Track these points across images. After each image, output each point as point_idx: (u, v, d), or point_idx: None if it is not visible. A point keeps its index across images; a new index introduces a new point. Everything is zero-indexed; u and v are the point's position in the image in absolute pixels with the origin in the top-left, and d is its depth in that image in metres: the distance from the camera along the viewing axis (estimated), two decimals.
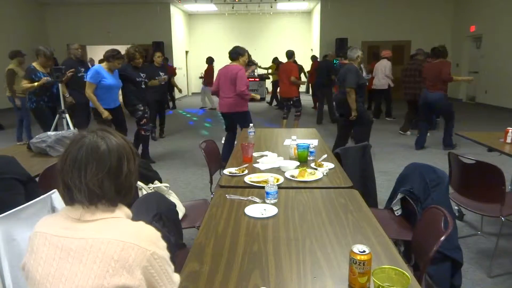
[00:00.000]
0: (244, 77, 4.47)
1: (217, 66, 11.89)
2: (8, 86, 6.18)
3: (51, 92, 5.04)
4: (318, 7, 13.18)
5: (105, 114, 4.45)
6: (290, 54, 7.38)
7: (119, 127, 4.74)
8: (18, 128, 6.45)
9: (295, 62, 7.57)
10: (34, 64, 4.87)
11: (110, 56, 4.45)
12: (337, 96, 5.18)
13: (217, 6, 13.59)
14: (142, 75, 5.02)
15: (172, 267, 1.06)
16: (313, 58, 10.84)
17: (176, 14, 14.07)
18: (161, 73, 6.10)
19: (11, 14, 11.50)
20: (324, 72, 8.25)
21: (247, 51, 4.70)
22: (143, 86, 5.02)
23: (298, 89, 7.19)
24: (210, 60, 10.82)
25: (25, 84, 4.78)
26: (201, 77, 11.55)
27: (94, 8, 13.15)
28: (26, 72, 4.86)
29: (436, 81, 5.54)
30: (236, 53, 4.58)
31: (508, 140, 3.13)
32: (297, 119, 7.08)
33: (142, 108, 4.94)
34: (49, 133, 2.99)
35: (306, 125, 7.95)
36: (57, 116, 5.02)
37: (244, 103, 4.59)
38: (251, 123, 4.17)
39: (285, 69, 7.19)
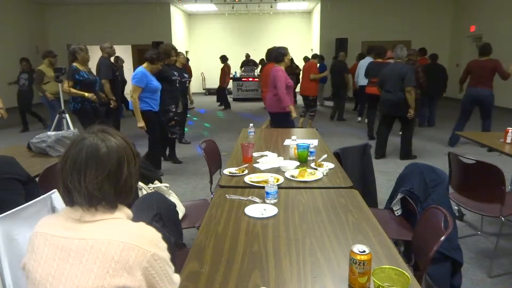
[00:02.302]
0: (282, 78, 4.34)
1: (215, 65, 11.94)
2: (36, 86, 6.25)
3: (94, 92, 4.91)
4: (318, 7, 13.18)
5: (142, 123, 4.27)
6: (314, 55, 8.14)
7: (162, 130, 4.69)
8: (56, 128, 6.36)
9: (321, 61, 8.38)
10: (75, 64, 4.72)
11: (155, 58, 4.26)
12: (387, 97, 5.14)
13: (217, 6, 13.59)
14: (175, 73, 4.93)
15: (173, 267, 1.06)
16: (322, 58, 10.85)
17: (176, 14, 14.07)
18: (185, 75, 5.92)
19: (11, 14, 11.50)
20: (337, 72, 8.53)
21: (287, 48, 4.57)
22: (177, 85, 4.93)
23: (317, 88, 7.41)
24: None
25: (72, 89, 4.60)
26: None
27: (94, 8, 13.15)
28: (69, 74, 4.69)
29: (485, 78, 5.51)
30: (281, 55, 4.44)
31: (508, 140, 3.12)
32: (311, 118, 7.34)
33: (173, 110, 4.85)
34: (49, 133, 2.99)
35: (321, 123, 8.09)
36: (57, 116, 5.02)
37: (279, 104, 4.47)
38: (289, 126, 4.22)
39: (306, 67, 7.42)
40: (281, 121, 4.52)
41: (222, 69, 11.07)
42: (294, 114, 4.41)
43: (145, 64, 4.31)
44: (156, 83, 4.33)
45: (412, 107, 4.90)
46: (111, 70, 5.86)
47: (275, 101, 4.49)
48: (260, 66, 11.85)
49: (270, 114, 4.72)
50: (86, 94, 4.64)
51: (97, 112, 4.92)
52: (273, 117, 4.69)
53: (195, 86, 15.80)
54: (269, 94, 4.57)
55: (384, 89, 5.23)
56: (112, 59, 6.49)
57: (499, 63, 5.52)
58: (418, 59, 6.90)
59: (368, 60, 7.41)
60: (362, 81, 7.53)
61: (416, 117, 5.21)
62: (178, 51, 5.56)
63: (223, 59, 10.96)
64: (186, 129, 5.14)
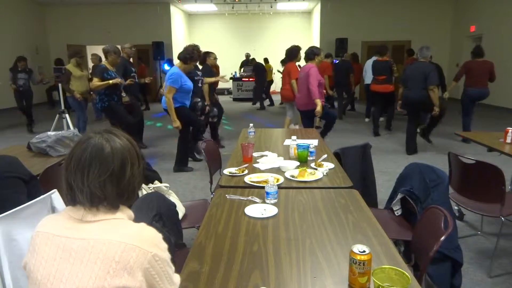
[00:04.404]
0: (315, 75, 4.54)
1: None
2: (63, 86, 6.27)
3: (120, 91, 5.06)
4: (318, 7, 13.18)
5: (177, 123, 4.27)
6: (327, 55, 8.44)
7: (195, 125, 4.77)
8: (82, 129, 6.29)
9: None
10: (104, 63, 4.91)
11: (189, 58, 4.25)
12: (409, 94, 5.32)
13: (217, 6, 13.59)
14: (199, 73, 5.00)
15: (173, 268, 1.06)
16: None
17: (176, 14, 14.07)
18: (198, 72, 5.89)
19: (11, 14, 11.49)
20: (342, 72, 8.64)
21: (320, 49, 4.84)
22: (200, 84, 4.99)
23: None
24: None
25: (97, 82, 4.73)
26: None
27: (94, 8, 13.14)
28: (97, 71, 4.86)
29: (483, 78, 5.81)
30: (312, 53, 4.69)
31: (508, 140, 3.13)
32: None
33: (199, 100, 4.91)
34: (49, 133, 3.00)
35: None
36: (57, 116, 5.02)
37: (309, 101, 4.63)
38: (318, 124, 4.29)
39: (321, 68, 7.59)
40: (312, 117, 4.69)
41: None
42: (319, 109, 4.54)
43: (178, 64, 4.33)
44: (189, 84, 4.36)
45: (436, 105, 5.08)
46: (123, 70, 5.84)
47: (307, 98, 4.65)
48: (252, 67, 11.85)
49: (301, 111, 4.91)
50: (111, 81, 4.74)
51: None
52: (304, 114, 4.83)
53: None
54: (300, 93, 4.79)
55: (407, 87, 5.38)
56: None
57: (493, 65, 5.80)
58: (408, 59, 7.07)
59: (374, 59, 7.48)
60: (369, 79, 7.59)
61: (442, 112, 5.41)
62: (206, 51, 5.63)
63: None
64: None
